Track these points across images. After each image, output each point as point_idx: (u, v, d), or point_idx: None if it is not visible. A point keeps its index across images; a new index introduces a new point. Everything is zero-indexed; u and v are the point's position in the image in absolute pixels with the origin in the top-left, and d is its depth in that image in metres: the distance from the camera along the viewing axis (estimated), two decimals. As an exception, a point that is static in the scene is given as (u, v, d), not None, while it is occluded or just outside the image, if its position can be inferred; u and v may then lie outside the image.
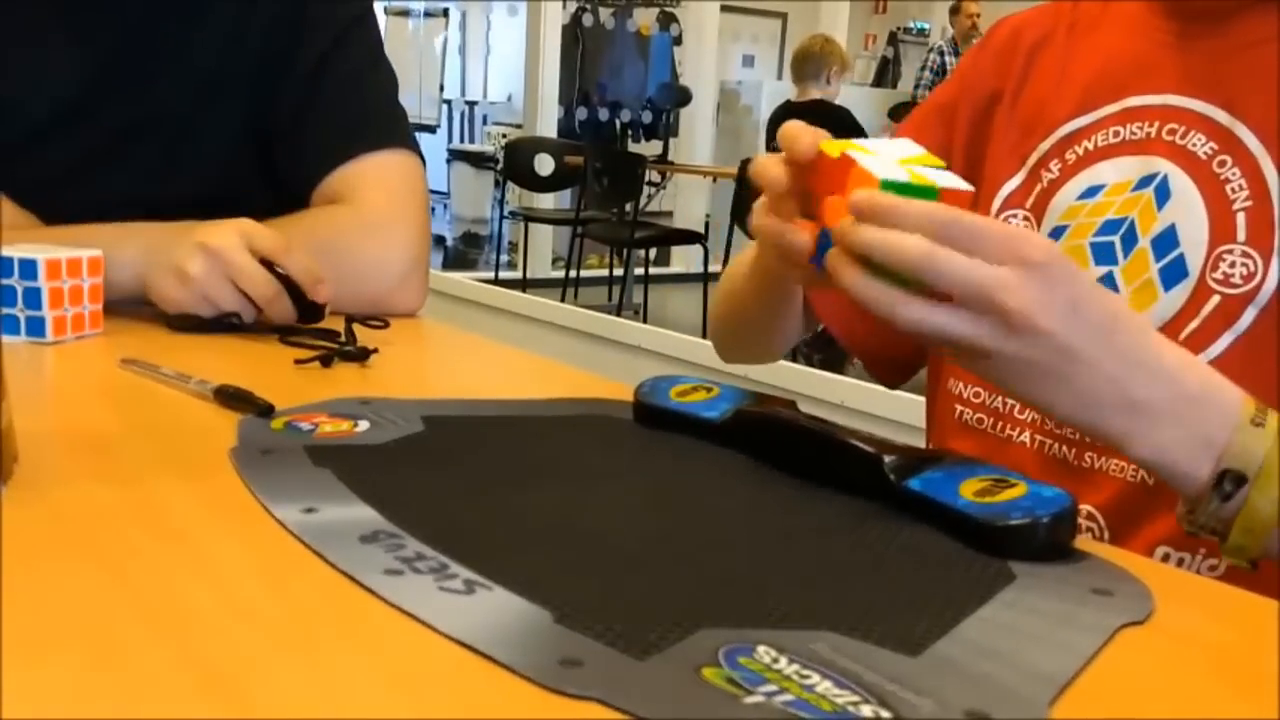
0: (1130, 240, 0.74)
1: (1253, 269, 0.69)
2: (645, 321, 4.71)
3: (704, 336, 4.31)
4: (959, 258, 0.54)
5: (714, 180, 6.47)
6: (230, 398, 0.67)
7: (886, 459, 0.56)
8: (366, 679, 0.37)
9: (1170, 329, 0.71)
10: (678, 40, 8.44)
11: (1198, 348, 0.70)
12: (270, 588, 0.43)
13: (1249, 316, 0.69)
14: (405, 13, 9.16)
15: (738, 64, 10.69)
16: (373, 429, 0.64)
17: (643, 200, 5.63)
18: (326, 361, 0.80)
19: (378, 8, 1.17)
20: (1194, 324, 0.70)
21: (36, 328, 0.82)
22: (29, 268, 0.82)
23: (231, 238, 0.89)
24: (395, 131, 1.11)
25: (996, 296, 0.53)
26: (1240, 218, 0.70)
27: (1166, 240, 0.73)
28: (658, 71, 8.46)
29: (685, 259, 6.65)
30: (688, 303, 5.37)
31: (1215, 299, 0.70)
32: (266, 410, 0.65)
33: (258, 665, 0.37)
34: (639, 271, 5.70)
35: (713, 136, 7.46)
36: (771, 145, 4.91)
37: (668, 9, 8.54)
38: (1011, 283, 0.53)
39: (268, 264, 0.89)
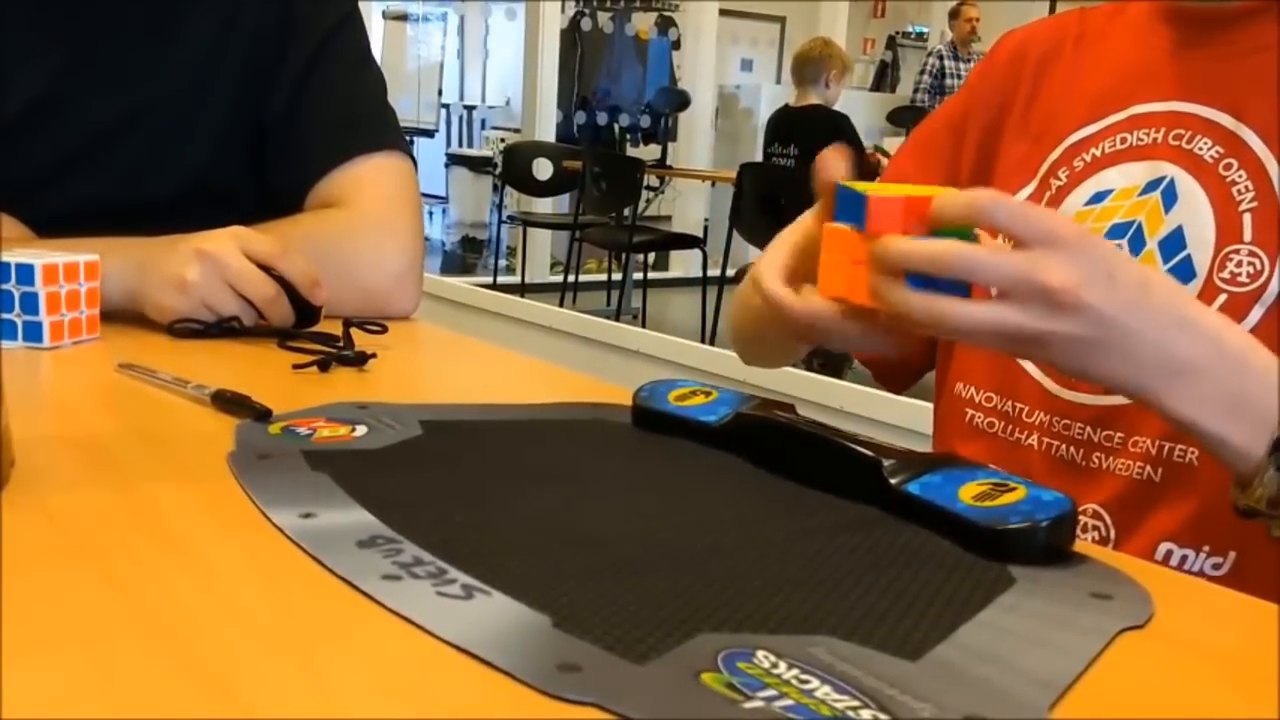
0: (1138, 243, 0.75)
1: (1259, 268, 0.70)
2: (644, 326, 4.71)
3: (703, 340, 4.32)
4: (995, 255, 0.56)
5: (713, 184, 6.47)
6: (228, 402, 0.67)
7: (885, 463, 0.56)
8: (364, 685, 0.36)
9: None
10: (676, 44, 8.45)
11: None
12: (268, 593, 0.43)
13: (1256, 315, 0.70)
14: (403, 16, 9.16)
15: (736, 68, 10.69)
16: (370, 433, 0.64)
17: (641, 204, 5.63)
18: (324, 366, 0.80)
19: (376, 11, 1.17)
20: None
21: (34, 333, 0.82)
22: (26, 272, 0.81)
23: (227, 243, 0.89)
24: (386, 134, 1.11)
25: (1039, 278, 0.55)
26: (1246, 218, 0.71)
27: (1174, 242, 0.74)
28: (656, 75, 8.46)
29: (684, 263, 6.65)
30: (686, 307, 5.37)
31: (1222, 298, 0.71)
32: (264, 415, 0.65)
33: (255, 671, 0.37)
34: (637, 276, 5.71)
35: (711, 140, 7.46)
36: (770, 149, 4.91)
37: (666, 13, 8.55)
38: (1051, 263, 0.55)
39: (264, 268, 0.89)
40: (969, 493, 0.53)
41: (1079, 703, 0.38)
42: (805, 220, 0.69)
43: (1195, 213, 0.73)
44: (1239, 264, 0.71)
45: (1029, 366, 0.79)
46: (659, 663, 0.38)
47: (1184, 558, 0.70)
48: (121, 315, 0.90)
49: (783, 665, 0.38)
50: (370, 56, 1.16)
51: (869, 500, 0.56)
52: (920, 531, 0.53)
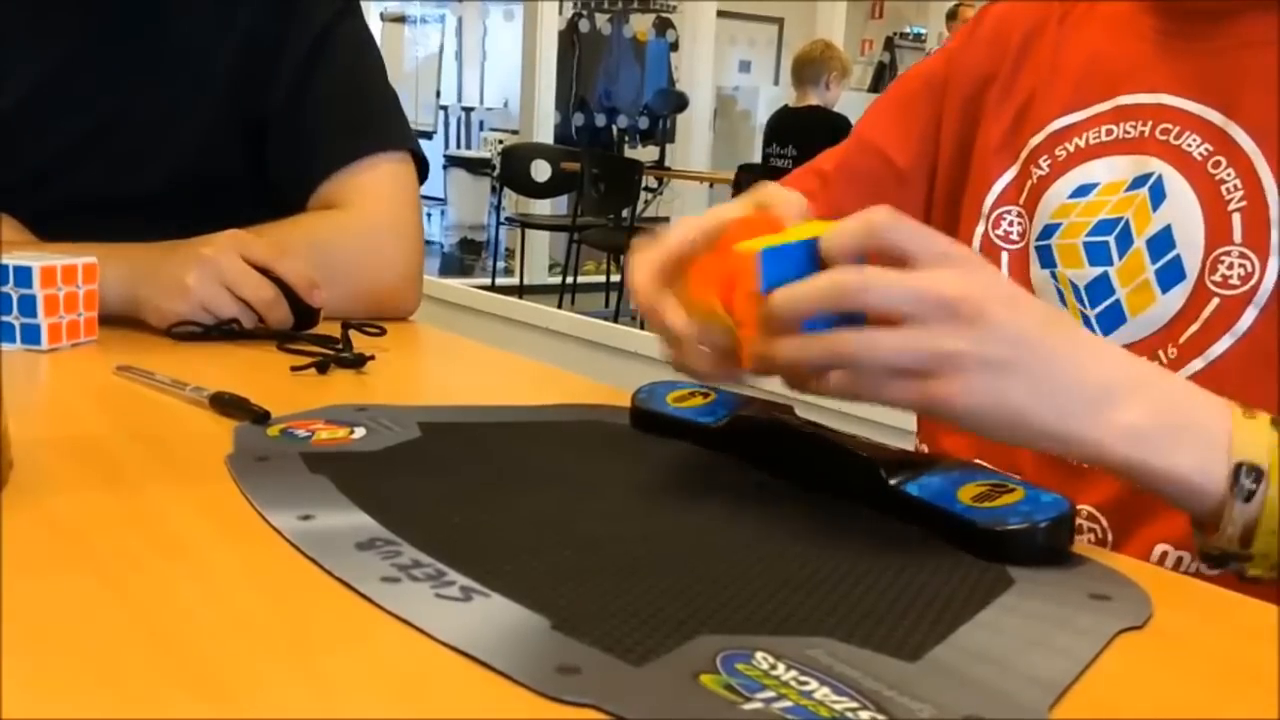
0: (1125, 241, 0.74)
1: (1250, 269, 0.69)
2: (642, 328, 4.70)
3: (701, 342, 4.31)
4: (893, 273, 0.52)
5: (711, 186, 6.47)
6: (226, 404, 0.67)
7: (884, 464, 0.56)
8: (363, 687, 0.36)
9: (1170, 331, 0.71)
10: (674, 46, 8.44)
11: (1197, 350, 0.70)
12: (266, 596, 0.43)
13: (1249, 317, 0.69)
14: (401, 18, 9.16)
15: (734, 69, 10.69)
16: (369, 436, 0.64)
17: (640, 206, 5.63)
18: (323, 368, 0.80)
19: (374, 13, 1.17)
20: (1194, 327, 0.70)
21: (32, 335, 0.82)
22: (24, 274, 0.81)
23: (225, 247, 0.89)
24: (390, 132, 1.11)
25: (942, 291, 0.51)
26: (1236, 219, 0.70)
27: (1162, 241, 0.72)
28: (654, 77, 8.45)
29: (682, 264, 6.64)
30: (685, 308, 5.35)
31: (1215, 301, 0.70)
32: (262, 417, 0.65)
33: (254, 673, 0.37)
34: (636, 277, 5.69)
35: (710, 142, 7.46)
36: (768, 151, 4.92)
37: (664, 14, 8.55)
38: (949, 276, 0.52)
39: (262, 271, 0.89)
40: (968, 493, 0.53)
41: (1078, 703, 0.38)
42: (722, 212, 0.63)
43: (1183, 211, 0.72)
44: (1230, 265, 0.70)
45: None
46: (658, 664, 0.38)
47: (1179, 559, 0.70)
48: (119, 318, 0.90)
49: (781, 667, 0.38)
50: (372, 46, 1.15)
51: (867, 501, 0.56)
52: (919, 532, 0.53)
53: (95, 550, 0.47)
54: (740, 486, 0.60)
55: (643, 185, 5.44)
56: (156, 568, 0.45)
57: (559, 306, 4.72)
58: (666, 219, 7.12)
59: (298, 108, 1.08)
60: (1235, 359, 0.69)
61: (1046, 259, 0.78)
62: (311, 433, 0.63)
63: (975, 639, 0.42)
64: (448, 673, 0.38)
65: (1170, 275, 0.72)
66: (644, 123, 8.43)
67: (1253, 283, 0.69)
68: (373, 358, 0.82)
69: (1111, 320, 0.74)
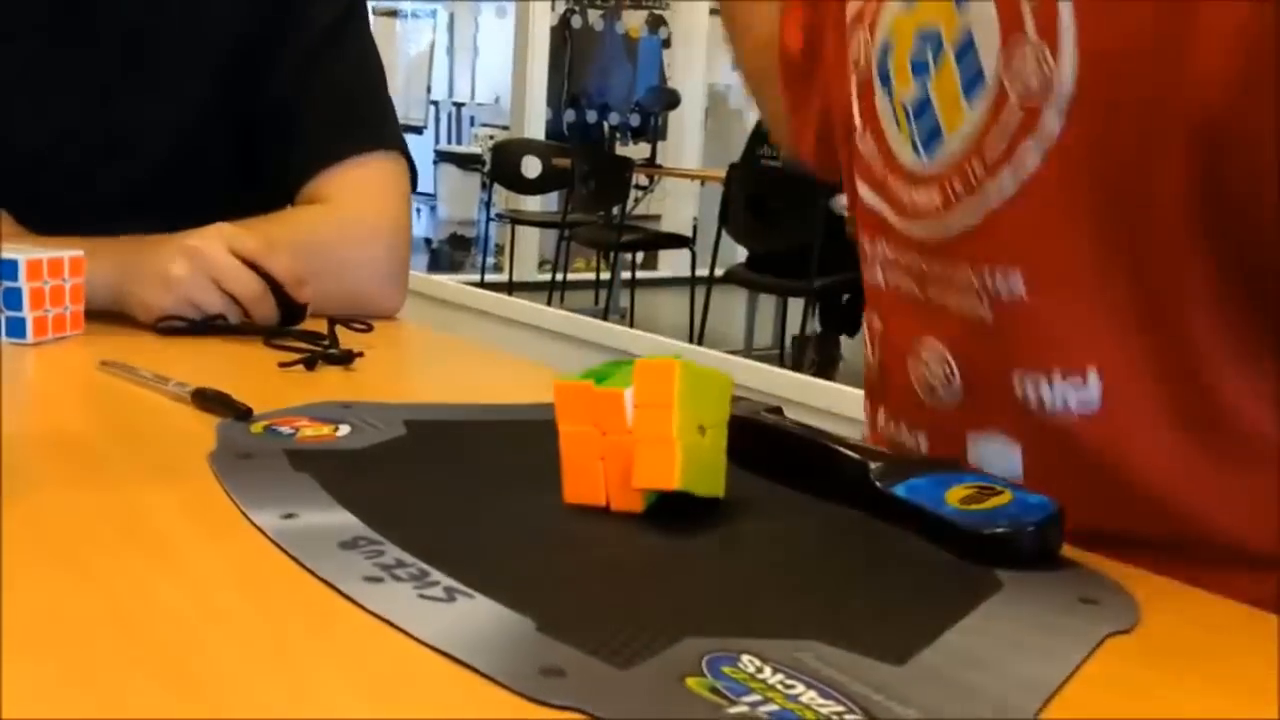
0: (938, 50, 0.65)
1: (1044, 66, 0.59)
2: (632, 326, 4.71)
3: (691, 340, 4.31)
4: None
5: (702, 184, 6.48)
6: (208, 400, 0.67)
7: (872, 465, 0.56)
8: (345, 687, 0.36)
9: (977, 146, 0.63)
10: (666, 43, 8.44)
11: (1002, 162, 0.61)
12: (248, 595, 0.43)
13: (1052, 123, 0.60)
14: (393, 13, 9.14)
15: (727, 67, 10.69)
16: (354, 433, 0.63)
17: (630, 203, 5.63)
18: (310, 364, 0.79)
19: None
20: (993, 133, 0.62)
21: (17, 329, 0.82)
22: (10, 268, 0.81)
23: (212, 240, 0.88)
24: (383, 132, 1.11)
25: None
26: (1026, 8, 0.60)
27: (966, 45, 0.64)
28: (646, 74, 8.46)
29: (673, 263, 6.65)
30: (675, 307, 5.37)
31: (1013, 102, 0.61)
32: (244, 414, 0.65)
33: (235, 673, 0.36)
34: (626, 275, 5.70)
35: (701, 140, 7.47)
36: (759, 152, 4.91)
37: (657, 11, 8.55)
38: None
39: (250, 265, 0.89)
40: (955, 496, 0.53)
41: (1065, 707, 0.38)
42: None
43: (981, 9, 0.62)
44: (1024, 59, 0.60)
45: (870, 199, 0.72)
46: (643, 667, 0.38)
47: (1039, 391, 0.61)
48: (107, 312, 0.89)
49: (768, 670, 0.38)
50: (372, 46, 1.15)
51: (856, 503, 0.56)
52: (907, 535, 0.53)
53: (75, 547, 0.46)
54: (728, 488, 0.60)
55: (633, 183, 5.44)
56: (137, 566, 0.45)
57: (548, 304, 4.72)
58: (658, 217, 7.13)
59: (292, 104, 1.08)
60: (1050, 174, 0.60)
61: (885, 81, 0.70)
62: (295, 430, 0.63)
63: (962, 642, 0.42)
64: (430, 674, 0.37)
65: (973, 81, 0.63)
66: (635, 120, 8.43)
67: (1048, 79, 0.59)
68: (361, 354, 0.82)
69: (932, 139, 0.66)
